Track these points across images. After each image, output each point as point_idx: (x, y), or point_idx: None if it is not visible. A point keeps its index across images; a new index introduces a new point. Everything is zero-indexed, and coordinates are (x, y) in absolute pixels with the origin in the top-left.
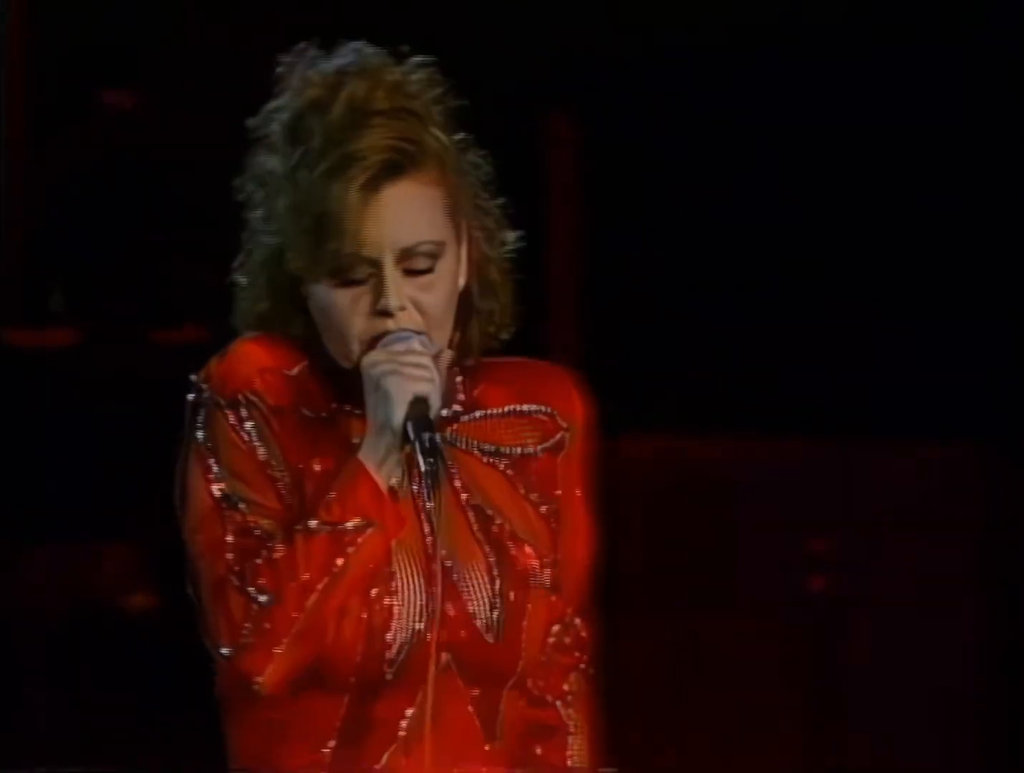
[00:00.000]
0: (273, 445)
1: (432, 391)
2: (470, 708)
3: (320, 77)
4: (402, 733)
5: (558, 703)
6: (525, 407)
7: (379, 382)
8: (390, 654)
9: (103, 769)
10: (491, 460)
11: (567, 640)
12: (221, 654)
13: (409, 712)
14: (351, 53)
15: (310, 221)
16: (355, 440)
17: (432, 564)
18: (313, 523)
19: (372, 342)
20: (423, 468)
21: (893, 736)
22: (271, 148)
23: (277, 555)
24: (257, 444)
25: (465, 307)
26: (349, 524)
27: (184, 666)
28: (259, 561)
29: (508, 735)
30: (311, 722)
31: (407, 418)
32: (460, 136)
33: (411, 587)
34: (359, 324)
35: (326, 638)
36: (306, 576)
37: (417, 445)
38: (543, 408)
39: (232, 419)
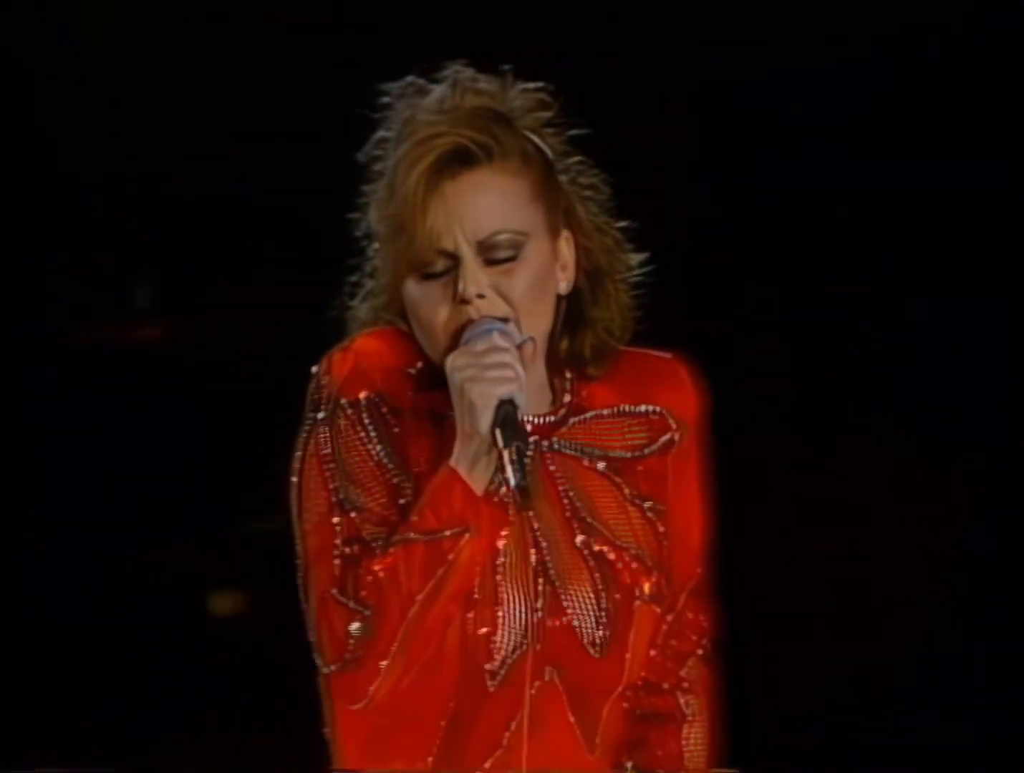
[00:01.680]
0: (393, 447)
1: (516, 391)
2: (571, 719)
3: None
4: (504, 742)
5: (676, 691)
6: (634, 408)
7: (462, 389)
8: (492, 666)
9: (103, 769)
10: (597, 464)
11: (683, 626)
12: (329, 670)
13: (512, 724)
14: (454, 74)
15: (390, 209)
16: None
17: (537, 579)
18: (411, 533)
19: (456, 334)
20: (513, 483)
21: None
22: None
23: (378, 566)
24: (377, 446)
25: (575, 314)
26: (446, 532)
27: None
28: (361, 572)
29: (609, 744)
30: (416, 728)
31: (494, 424)
32: (576, 158)
33: (515, 602)
34: (443, 315)
35: (429, 648)
36: (407, 587)
37: (506, 455)
38: (654, 408)
39: (354, 419)
